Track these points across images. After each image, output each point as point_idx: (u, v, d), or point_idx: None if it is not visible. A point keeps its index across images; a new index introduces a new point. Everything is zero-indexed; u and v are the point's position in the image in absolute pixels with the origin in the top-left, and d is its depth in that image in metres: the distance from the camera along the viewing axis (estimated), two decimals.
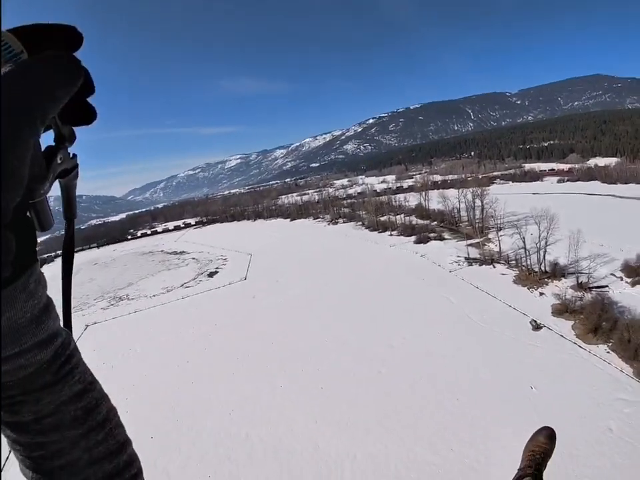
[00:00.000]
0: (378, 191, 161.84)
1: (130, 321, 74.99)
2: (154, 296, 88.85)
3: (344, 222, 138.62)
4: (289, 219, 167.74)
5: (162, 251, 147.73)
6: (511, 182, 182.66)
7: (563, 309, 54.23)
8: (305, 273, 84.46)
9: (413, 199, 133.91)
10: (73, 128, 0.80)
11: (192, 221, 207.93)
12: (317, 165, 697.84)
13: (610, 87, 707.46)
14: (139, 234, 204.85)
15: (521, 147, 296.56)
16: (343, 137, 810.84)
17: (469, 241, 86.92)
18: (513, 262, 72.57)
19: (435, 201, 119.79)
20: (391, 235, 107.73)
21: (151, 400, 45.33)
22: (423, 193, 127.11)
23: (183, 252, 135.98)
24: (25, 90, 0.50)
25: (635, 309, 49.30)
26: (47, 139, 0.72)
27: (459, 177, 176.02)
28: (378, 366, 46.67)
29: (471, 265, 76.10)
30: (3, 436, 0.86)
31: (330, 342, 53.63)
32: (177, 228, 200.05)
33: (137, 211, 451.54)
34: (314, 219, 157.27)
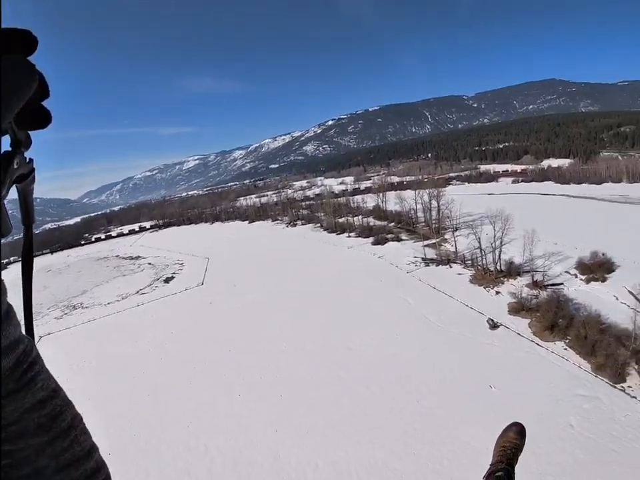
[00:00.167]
0: (336, 192, 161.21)
1: (84, 331, 71.60)
2: (109, 304, 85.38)
3: (302, 224, 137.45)
4: (247, 222, 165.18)
5: (117, 256, 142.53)
6: (466, 183, 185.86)
7: (519, 307, 54.53)
8: (263, 277, 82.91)
9: (370, 200, 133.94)
10: (29, 132, 0.80)
11: (148, 224, 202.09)
12: (276, 166, 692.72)
13: (564, 91, 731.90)
14: (93, 238, 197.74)
15: (476, 148, 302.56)
16: (303, 138, 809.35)
17: (426, 242, 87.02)
18: (469, 262, 72.78)
19: (392, 202, 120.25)
20: (349, 236, 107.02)
21: (107, 414, 42.51)
22: (381, 195, 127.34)
23: (139, 257, 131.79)
24: None
25: (590, 305, 49.57)
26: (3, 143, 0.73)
27: (416, 178, 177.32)
28: (337, 370, 45.76)
29: (428, 266, 75.98)
30: None
31: (288, 347, 52.56)
32: (132, 232, 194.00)
33: (92, 214, 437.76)
34: (272, 221, 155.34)
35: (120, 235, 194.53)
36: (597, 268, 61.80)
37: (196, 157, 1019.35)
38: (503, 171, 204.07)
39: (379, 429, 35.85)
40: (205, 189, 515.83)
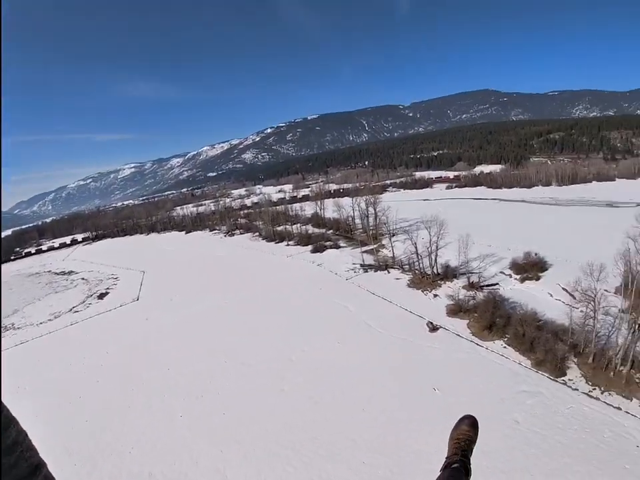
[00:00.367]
0: (275, 200, 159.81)
1: (16, 353, 65.93)
2: (41, 323, 79.60)
3: (241, 233, 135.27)
4: (184, 232, 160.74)
5: (49, 271, 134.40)
6: (402, 189, 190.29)
7: (457, 309, 55.08)
8: (201, 290, 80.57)
9: (309, 208, 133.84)
10: None
11: (80, 237, 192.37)
12: (215, 174, 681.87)
13: (496, 101, 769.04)
14: (24, 253, 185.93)
15: (412, 156, 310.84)
16: (242, 146, 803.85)
17: (364, 248, 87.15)
18: (407, 266, 73.16)
19: (330, 210, 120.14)
20: (288, 245, 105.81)
21: (44, 444, 38.41)
22: (319, 202, 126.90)
23: (72, 272, 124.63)
24: None
25: (526, 303, 50.89)
26: None
27: (353, 185, 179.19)
28: (280, 383, 44.48)
29: (367, 272, 75.85)
30: None
31: (229, 361, 50.71)
32: (64, 245, 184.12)
33: (24, 226, 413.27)
34: (210, 231, 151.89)
35: (51, 248, 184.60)
36: (531, 267, 63.69)
37: (132, 165, 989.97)
38: (437, 178, 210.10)
39: (326, 440, 34.93)
40: (140, 198, 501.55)
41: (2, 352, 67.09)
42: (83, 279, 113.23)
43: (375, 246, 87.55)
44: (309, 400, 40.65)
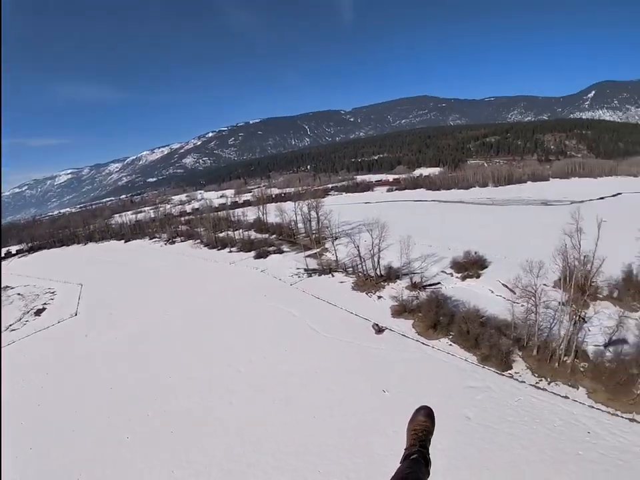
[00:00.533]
0: (216, 206, 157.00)
1: None
2: None
3: (182, 240, 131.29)
4: (122, 241, 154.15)
5: None
6: (344, 193, 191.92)
7: (401, 310, 55.47)
8: (141, 302, 77.34)
9: (251, 213, 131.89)
10: None
11: (14, 249, 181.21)
12: (155, 179, 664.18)
13: (435, 107, 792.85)
14: None
15: (353, 160, 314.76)
16: (182, 151, 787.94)
17: (307, 252, 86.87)
18: (350, 269, 73.29)
19: (273, 215, 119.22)
20: (231, 251, 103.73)
21: None
22: (261, 207, 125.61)
23: (7, 287, 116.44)
24: None
25: (468, 301, 51.78)
26: None
27: (295, 189, 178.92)
28: (228, 397, 42.87)
29: (311, 276, 75.43)
30: None
31: (174, 377, 48.35)
32: None
33: None
34: (150, 239, 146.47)
35: None
36: (471, 266, 65.31)
37: (69, 171, 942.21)
38: (377, 181, 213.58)
39: (279, 452, 33.88)
40: (78, 206, 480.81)
41: None
42: (18, 294, 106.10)
43: (318, 250, 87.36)
44: (259, 412, 39.36)
